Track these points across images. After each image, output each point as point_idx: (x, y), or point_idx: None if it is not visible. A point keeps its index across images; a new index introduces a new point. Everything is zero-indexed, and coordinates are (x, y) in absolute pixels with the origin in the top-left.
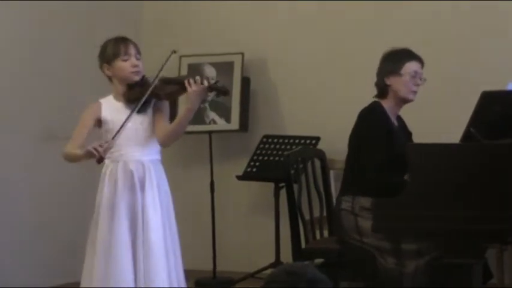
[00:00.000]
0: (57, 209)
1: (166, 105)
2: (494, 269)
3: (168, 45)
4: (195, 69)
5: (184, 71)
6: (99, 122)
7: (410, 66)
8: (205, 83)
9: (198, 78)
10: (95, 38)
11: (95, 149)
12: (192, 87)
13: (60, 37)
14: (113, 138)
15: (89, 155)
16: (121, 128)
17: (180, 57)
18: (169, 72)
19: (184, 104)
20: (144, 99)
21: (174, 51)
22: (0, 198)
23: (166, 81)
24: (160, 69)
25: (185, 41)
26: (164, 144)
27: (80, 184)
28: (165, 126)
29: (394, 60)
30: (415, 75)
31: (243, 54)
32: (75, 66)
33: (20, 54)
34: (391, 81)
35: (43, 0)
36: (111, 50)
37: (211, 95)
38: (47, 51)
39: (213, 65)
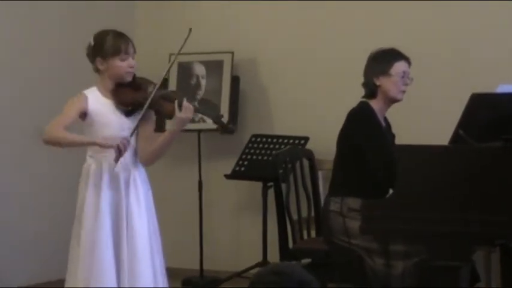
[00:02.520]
0: (50, 206)
1: (153, 114)
2: (481, 272)
3: (158, 43)
4: (185, 68)
5: (174, 69)
6: (83, 115)
7: (399, 66)
8: (192, 107)
9: (186, 103)
10: (87, 37)
11: (119, 146)
12: (182, 114)
13: (52, 36)
14: (131, 135)
15: (110, 147)
16: (135, 129)
17: (170, 55)
18: (160, 68)
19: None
20: (144, 110)
21: (190, 30)
22: None
23: (162, 96)
24: (167, 73)
25: (175, 39)
26: (146, 164)
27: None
28: (148, 145)
29: (383, 60)
30: (404, 75)
31: (232, 53)
32: (66, 65)
33: (10, 53)
34: (380, 81)
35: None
36: (111, 47)
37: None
38: (38, 50)
39: (203, 63)
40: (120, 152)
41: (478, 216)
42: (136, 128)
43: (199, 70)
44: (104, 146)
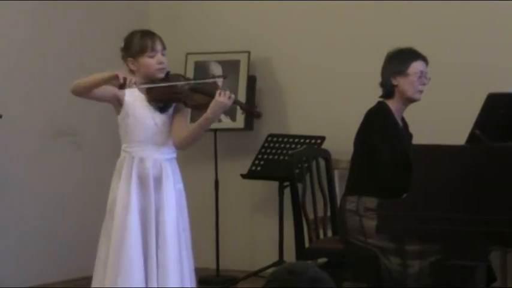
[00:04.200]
0: (60, 208)
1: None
2: (497, 272)
3: (174, 43)
4: (201, 67)
5: (190, 69)
6: (118, 103)
7: (417, 66)
8: (233, 97)
9: (228, 92)
10: (102, 36)
11: (124, 76)
12: (221, 98)
13: (66, 36)
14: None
15: (114, 77)
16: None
17: (187, 54)
18: (176, 68)
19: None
20: (172, 104)
21: (225, 77)
22: (3, 197)
23: (194, 89)
24: (195, 80)
25: (192, 39)
26: (179, 147)
27: (84, 183)
28: (182, 130)
29: (400, 60)
30: (421, 74)
31: (249, 52)
32: (80, 65)
33: (24, 52)
34: (398, 81)
35: None
36: (138, 45)
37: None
38: (53, 49)
39: (220, 63)
40: (121, 80)
41: (494, 216)
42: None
43: (216, 70)
44: (109, 78)
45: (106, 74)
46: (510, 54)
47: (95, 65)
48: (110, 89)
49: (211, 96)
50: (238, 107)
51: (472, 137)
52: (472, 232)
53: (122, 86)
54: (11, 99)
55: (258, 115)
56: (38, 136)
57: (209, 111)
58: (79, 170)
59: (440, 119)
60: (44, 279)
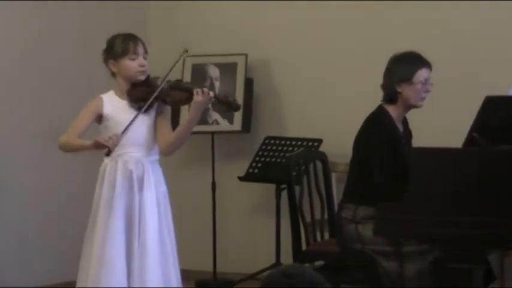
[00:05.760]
0: (59, 208)
1: (168, 109)
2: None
3: (172, 45)
4: (199, 70)
5: (188, 71)
6: (99, 118)
7: (422, 74)
8: (212, 94)
9: (205, 89)
10: (100, 38)
11: (105, 141)
12: (199, 97)
13: (64, 38)
14: (122, 133)
15: (97, 145)
16: (129, 124)
17: (184, 52)
18: (174, 70)
19: (187, 112)
20: (150, 101)
21: (186, 51)
22: (4, 199)
23: (173, 87)
24: (169, 72)
25: (189, 41)
26: (165, 153)
27: (82, 183)
28: (166, 135)
29: (406, 67)
30: (425, 82)
31: (246, 55)
32: (79, 67)
33: (23, 53)
34: (402, 89)
35: (51, 0)
36: (120, 47)
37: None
38: (52, 50)
39: (217, 65)
40: (106, 146)
41: (492, 219)
42: (131, 122)
43: (213, 72)
44: (92, 146)
45: (84, 143)
46: (510, 56)
47: (95, 68)
48: (90, 118)
49: (190, 91)
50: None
51: (469, 140)
52: (470, 235)
53: (108, 153)
54: (12, 103)
55: (237, 107)
56: (38, 139)
57: (190, 112)
58: (79, 173)
59: (437, 121)
60: (46, 282)
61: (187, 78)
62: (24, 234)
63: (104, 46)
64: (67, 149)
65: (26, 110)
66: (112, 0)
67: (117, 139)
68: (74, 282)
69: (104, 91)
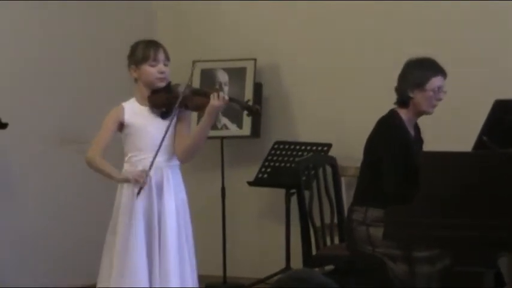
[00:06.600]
0: (59, 208)
1: (189, 114)
2: (506, 277)
3: (182, 50)
4: (208, 75)
5: (197, 77)
6: (121, 126)
7: (436, 82)
8: (227, 98)
9: (221, 93)
10: (109, 44)
11: (136, 180)
12: (215, 101)
13: (73, 43)
14: (149, 169)
15: (126, 181)
16: (162, 141)
17: (193, 62)
18: (182, 77)
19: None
20: (175, 108)
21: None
22: (10, 202)
23: (194, 92)
24: (191, 77)
25: (198, 46)
26: (182, 159)
27: (84, 184)
28: (184, 141)
29: (420, 74)
30: (438, 90)
31: (255, 60)
32: (87, 71)
33: (31, 58)
34: (414, 94)
35: (58, 0)
36: (141, 53)
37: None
38: (59, 52)
39: (226, 70)
40: (138, 184)
41: (501, 222)
42: (167, 130)
43: (222, 77)
44: (119, 181)
45: (116, 177)
46: None
47: (103, 71)
48: (112, 128)
49: (208, 96)
50: (241, 110)
51: (479, 143)
52: (479, 238)
53: (139, 191)
54: (18, 105)
55: (257, 111)
56: (45, 142)
57: (205, 115)
58: (85, 176)
59: (447, 125)
60: (46, 282)
61: (196, 83)
62: (25, 234)
63: (112, 48)
64: (93, 168)
65: (33, 114)
66: (122, 1)
67: (146, 175)
68: (74, 283)
69: (112, 92)
